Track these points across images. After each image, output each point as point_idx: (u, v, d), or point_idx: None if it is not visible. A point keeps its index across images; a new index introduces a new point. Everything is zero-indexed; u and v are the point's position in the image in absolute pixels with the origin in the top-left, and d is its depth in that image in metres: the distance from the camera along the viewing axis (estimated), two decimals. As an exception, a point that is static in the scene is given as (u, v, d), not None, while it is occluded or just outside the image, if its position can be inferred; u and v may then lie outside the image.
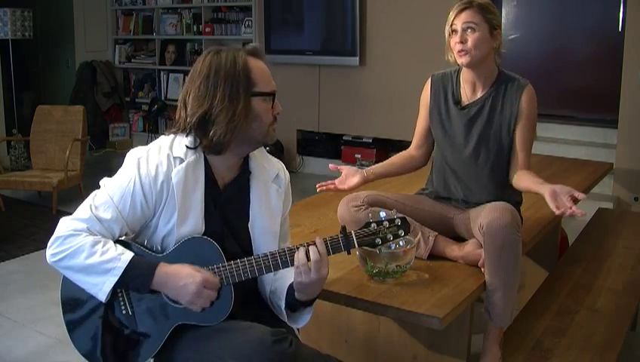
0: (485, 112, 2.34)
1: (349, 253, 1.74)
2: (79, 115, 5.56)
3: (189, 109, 1.68)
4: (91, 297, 1.64)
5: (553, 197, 2.04)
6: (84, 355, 1.72)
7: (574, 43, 5.57)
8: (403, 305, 1.95)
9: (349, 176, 2.36)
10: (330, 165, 2.45)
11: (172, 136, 1.73)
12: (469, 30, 2.25)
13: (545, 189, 2.09)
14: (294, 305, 1.76)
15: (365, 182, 2.38)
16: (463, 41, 2.25)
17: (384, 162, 2.55)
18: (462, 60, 2.28)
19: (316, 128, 6.53)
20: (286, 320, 1.80)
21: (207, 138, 1.66)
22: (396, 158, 2.56)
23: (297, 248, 1.68)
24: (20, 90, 7.34)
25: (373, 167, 2.50)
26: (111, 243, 1.63)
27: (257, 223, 1.78)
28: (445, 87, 2.43)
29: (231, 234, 1.76)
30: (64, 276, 1.70)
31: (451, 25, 2.29)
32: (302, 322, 1.81)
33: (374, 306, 1.99)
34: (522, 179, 2.29)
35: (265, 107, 1.69)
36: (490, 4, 2.32)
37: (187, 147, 1.70)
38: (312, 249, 1.66)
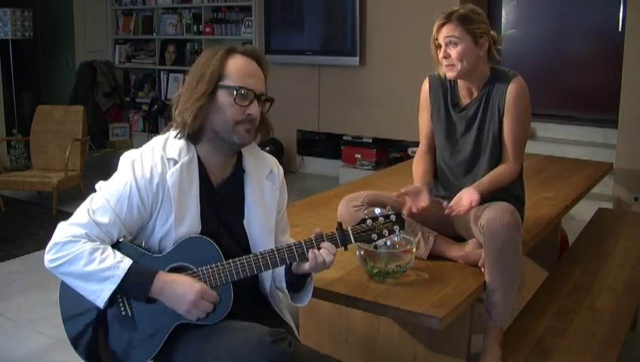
0: (481, 111, 2.34)
1: (345, 248, 1.77)
2: (79, 115, 5.56)
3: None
4: (90, 301, 1.64)
5: (458, 197, 2.18)
6: (83, 356, 1.72)
7: (574, 43, 5.57)
8: (403, 305, 1.95)
9: (417, 194, 2.24)
10: (395, 194, 2.27)
11: (165, 136, 1.74)
12: (451, 45, 2.24)
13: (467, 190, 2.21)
14: (295, 282, 1.80)
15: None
16: (446, 56, 2.25)
17: (422, 172, 2.41)
18: (450, 75, 2.29)
19: (316, 128, 6.53)
20: (290, 302, 1.84)
21: (176, 119, 1.71)
22: (426, 164, 2.45)
23: (307, 242, 1.71)
24: (20, 90, 7.34)
25: (420, 179, 2.37)
26: (110, 250, 1.63)
27: (253, 220, 1.79)
28: (444, 88, 2.42)
29: (227, 233, 1.76)
30: (62, 282, 1.70)
31: (435, 39, 2.29)
32: (305, 299, 1.85)
33: (374, 306, 1.99)
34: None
35: (228, 101, 1.68)
36: (474, 11, 2.28)
37: (177, 139, 1.72)
38: (325, 253, 1.71)
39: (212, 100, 1.68)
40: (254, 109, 1.71)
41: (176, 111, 1.71)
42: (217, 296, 1.65)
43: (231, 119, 1.69)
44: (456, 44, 2.24)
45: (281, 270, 1.81)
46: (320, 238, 1.73)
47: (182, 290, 1.61)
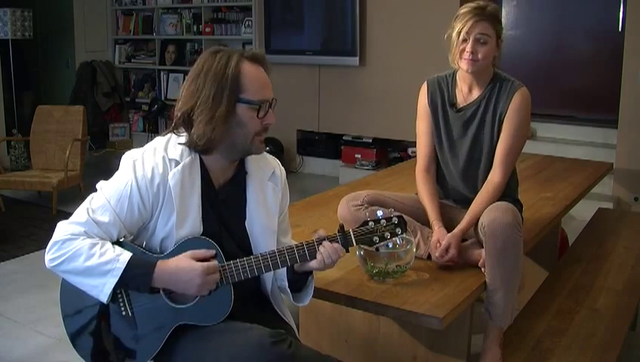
0: (480, 113, 2.34)
1: (347, 250, 1.76)
2: (79, 115, 5.56)
3: (178, 106, 1.69)
4: (90, 300, 1.64)
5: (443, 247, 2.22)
6: (84, 357, 1.72)
7: (574, 43, 5.57)
8: (403, 305, 1.95)
9: (438, 243, 2.24)
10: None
11: (167, 136, 1.73)
12: (482, 41, 2.23)
13: (451, 236, 2.23)
14: (296, 281, 1.81)
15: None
16: (473, 51, 2.23)
17: (430, 201, 2.37)
18: (467, 67, 2.26)
19: (316, 128, 6.53)
20: (292, 301, 1.84)
21: (190, 137, 1.68)
22: (430, 187, 2.41)
23: (305, 247, 1.70)
24: (20, 90, 7.34)
25: (432, 214, 2.34)
26: (109, 244, 1.63)
27: (255, 222, 1.78)
28: (442, 91, 2.41)
29: (228, 234, 1.76)
30: (63, 280, 1.70)
31: (466, 33, 2.24)
32: (307, 298, 1.85)
33: (374, 306, 1.99)
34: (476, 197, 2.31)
35: (250, 115, 1.66)
36: (498, 10, 2.30)
37: (181, 144, 1.69)
38: (332, 251, 1.71)
39: (231, 115, 1.65)
40: (272, 118, 1.70)
41: (195, 130, 1.65)
42: (217, 263, 1.65)
43: (251, 132, 1.68)
44: (486, 42, 2.23)
45: (283, 271, 1.81)
46: (322, 241, 1.73)
47: (186, 276, 1.61)
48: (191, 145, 1.69)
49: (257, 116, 1.67)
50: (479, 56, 2.23)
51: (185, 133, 1.71)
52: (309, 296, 1.85)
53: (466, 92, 2.37)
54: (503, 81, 2.33)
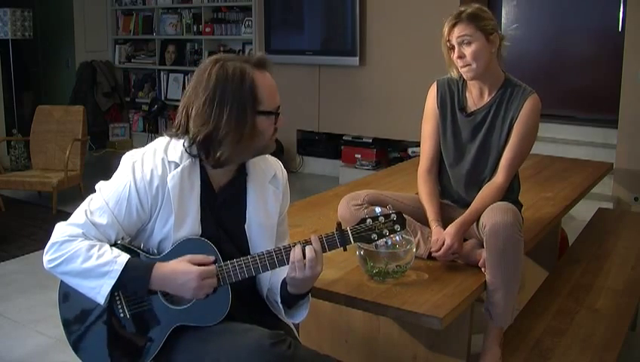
0: (490, 118, 2.32)
1: (345, 249, 1.74)
2: (79, 115, 5.56)
3: (191, 125, 1.65)
4: (89, 302, 1.64)
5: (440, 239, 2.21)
6: (83, 360, 1.72)
7: (574, 43, 5.57)
8: (403, 305, 1.94)
9: (440, 239, 2.22)
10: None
11: (168, 138, 1.73)
12: (465, 44, 2.22)
13: (448, 228, 2.22)
14: (289, 299, 1.77)
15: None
16: (461, 56, 2.23)
17: (430, 201, 2.36)
18: (467, 76, 2.26)
19: (316, 128, 6.53)
20: (283, 316, 1.81)
21: (211, 156, 1.66)
22: (431, 188, 2.40)
23: (294, 245, 1.69)
24: (20, 90, 7.34)
25: (431, 214, 2.32)
26: (107, 246, 1.63)
27: (254, 224, 1.78)
28: (452, 93, 2.39)
29: (227, 237, 1.76)
30: (61, 283, 1.70)
31: (447, 41, 2.26)
32: (299, 317, 1.82)
33: (374, 306, 1.99)
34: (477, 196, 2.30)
35: (268, 123, 1.68)
36: (481, 9, 2.28)
37: (185, 151, 1.68)
38: (308, 247, 1.67)
39: (255, 129, 1.65)
40: (282, 121, 1.72)
41: (221, 150, 1.63)
42: (215, 268, 1.64)
43: (268, 138, 1.70)
44: (470, 42, 2.22)
45: (277, 283, 1.78)
46: (319, 238, 1.72)
47: (182, 280, 1.61)
48: (212, 163, 1.68)
49: (274, 124, 1.69)
50: (468, 58, 2.23)
51: (185, 137, 1.69)
52: (301, 316, 1.82)
53: (477, 96, 2.35)
54: (514, 86, 2.32)
